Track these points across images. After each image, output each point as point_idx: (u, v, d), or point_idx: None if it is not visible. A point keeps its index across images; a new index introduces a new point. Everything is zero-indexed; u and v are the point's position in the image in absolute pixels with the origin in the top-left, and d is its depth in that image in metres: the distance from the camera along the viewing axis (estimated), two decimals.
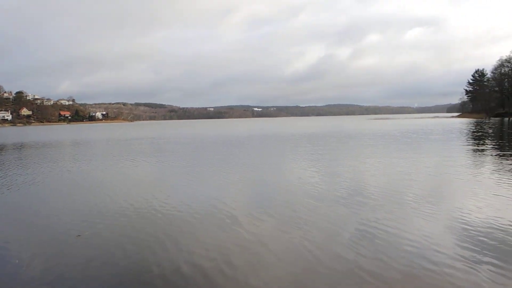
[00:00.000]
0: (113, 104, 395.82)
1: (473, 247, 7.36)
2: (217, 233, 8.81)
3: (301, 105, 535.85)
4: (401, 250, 7.38)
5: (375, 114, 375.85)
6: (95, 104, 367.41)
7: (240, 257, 7.27)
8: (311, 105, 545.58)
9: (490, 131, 48.98)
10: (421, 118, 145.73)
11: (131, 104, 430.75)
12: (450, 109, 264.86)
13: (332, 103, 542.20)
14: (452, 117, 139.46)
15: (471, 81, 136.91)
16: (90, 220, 10.09)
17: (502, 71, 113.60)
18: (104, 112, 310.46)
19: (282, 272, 6.58)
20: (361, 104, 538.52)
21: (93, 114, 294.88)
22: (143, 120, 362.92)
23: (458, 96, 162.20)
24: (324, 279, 6.27)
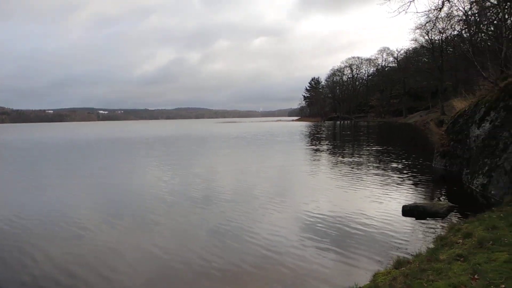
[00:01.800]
0: None
1: (315, 236, 8.27)
2: (66, 243, 8.31)
3: (150, 108, 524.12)
4: (252, 245, 7.92)
5: (224, 117, 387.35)
6: None
7: (91, 268, 6.97)
8: (160, 108, 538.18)
9: (325, 132, 54.91)
10: (266, 121, 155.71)
11: None
12: (291, 113, 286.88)
13: (182, 107, 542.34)
14: (293, 120, 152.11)
15: (308, 87, 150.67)
16: None
17: (334, 79, 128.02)
18: None
19: (137, 279, 6.51)
20: (211, 108, 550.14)
21: None
22: None
23: (298, 101, 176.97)
24: (179, 281, 6.41)
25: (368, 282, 5.68)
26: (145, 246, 8.07)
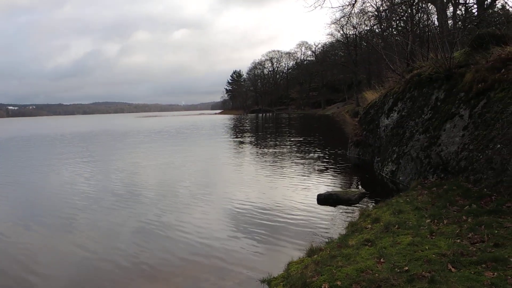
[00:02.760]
0: None
1: (235, 228, 8.30)
2: None
3: (65, 103, 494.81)
4: (180, 238, 7.80)
5: (145, 111, 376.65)
6: None
7: (5, 273, 6.47)
8: (76, 103, 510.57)
9: (248, 125, 55.38)
10: (189, 115, 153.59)
11: None
12: (214, 106, 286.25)
13: (100, 101, 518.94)
14: (216, 113, 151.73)
15: (230, 81, 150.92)
16: None
17: (256, 72, 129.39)
18: None
19: (59, 282, 6.13)
20: (131, 102, 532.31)
21: None
22: None
23: (220, 95, 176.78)
24: (107, 281, 6.10)
25: (282, 272, 5.70)
26: (67, 247, 7.58)
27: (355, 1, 29.03)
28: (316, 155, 19.30)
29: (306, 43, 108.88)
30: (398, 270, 4.74)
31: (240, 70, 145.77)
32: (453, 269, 4.59)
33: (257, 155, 20.51)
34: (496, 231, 5.51)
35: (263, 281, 5.53)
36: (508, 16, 22.54)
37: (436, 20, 22.13)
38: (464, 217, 6.37)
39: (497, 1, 23.75)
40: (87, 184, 13.75)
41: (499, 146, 7.97)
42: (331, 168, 15.35)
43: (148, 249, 7.30)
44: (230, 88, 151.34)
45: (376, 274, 4.66)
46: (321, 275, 4.91)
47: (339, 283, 4.62)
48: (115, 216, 9.64)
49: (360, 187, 12.12)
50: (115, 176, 15.14)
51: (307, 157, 18.69)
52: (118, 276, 6.27)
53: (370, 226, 6.93)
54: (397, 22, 36.02)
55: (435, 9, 21.75)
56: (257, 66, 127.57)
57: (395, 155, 12.38)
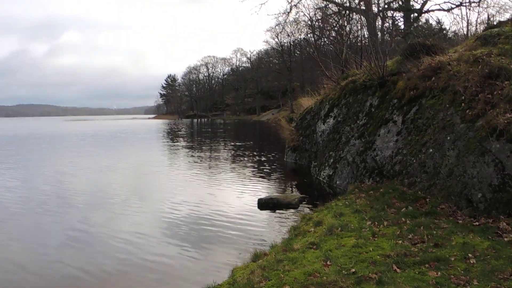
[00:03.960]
0: None
1: (175, 236, 7.94)
2: None
3: None
4: (114, 248, 7.32)
5: (74, 115, 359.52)
6: None
7: None
8: None
9: (184, 130, 54.55)
10: (121, 119, 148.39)
11: None
12: (147, 111, 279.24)
13: (25, 103, 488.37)
14: (149, 118, 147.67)
15: (164, 85, 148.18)
16: None
17: (191, 77, 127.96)
18: None
19: None
20: (59, 105, 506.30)
21: None
22: None
23: (154, 99, 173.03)
24: None
25: (227, 278, 5.50)
26: None
27: (290, 10, 29.69)
28: (253, 160, 19.29)
29: (242, 49, 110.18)
30: (346, 272, 4.72)
31: (174, 75, 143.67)
32: (398, 270, 4.64)
33: (194, 160, 20.14)
34: (434, 232, 5.70)
35: None
36: (432, 30, 24.06)
37: (366, 31, 23.06)
38: (402, 219, 6.54)
39: (421, 16, 25.29)
40: (9, 192, 12.64)
41: (431, 150, 8.33)
42: (269, 173, 15.38)
43: (77, 261, 6.74)
44: (164, 92, 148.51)
45: (324, 277, 4.61)
46: (269, 280, 4.77)
47: (287, 287, 4.51)
48: (41, 227, 8.84)
49: (298, 191, 12.20)
50: (42, 184, 14.07)
51: (244, 162, 18.62)
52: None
53: (313, 229, 6.93)
54: (330, 32, 37.32)
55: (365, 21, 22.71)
56: (192, 71, 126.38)
57: (331, 160, 12.62)
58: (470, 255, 4.82)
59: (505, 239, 5.21)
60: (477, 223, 5.98)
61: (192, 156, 22.17)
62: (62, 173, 16.47)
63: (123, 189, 12.81)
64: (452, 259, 4.77)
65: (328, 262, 5.10)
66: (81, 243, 7.66)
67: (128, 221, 9.12)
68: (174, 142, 32.28)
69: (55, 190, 12.82)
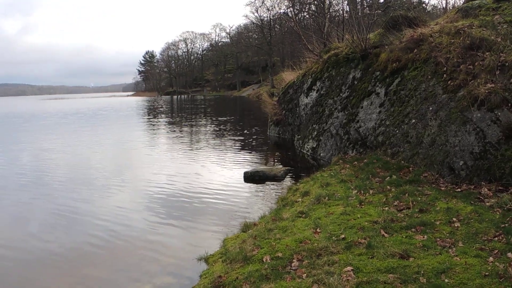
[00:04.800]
0: None
1: (163, 211, 7.89)
2: None
3: None
4: (99, 225, 7.24)
5: (50, 94, 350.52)
6: None
7: None
8: None
9: (164, 107, 53.94)
10: (99, 97, 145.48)
11: None
12: (125, 88, 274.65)
13: None
14: (128, 96, 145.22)
15: (142, 61, 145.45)
16: None
17: (169, 53, 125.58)
18: None
19: None
20: (33, 84, 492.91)
21: None
22: None
23: (132, 76, 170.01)
24: (17, 276, 5.52)
25: (219, 248, 5.58)
26: None
27: None
28: (236, 135, 19.30)
29: (221, 24, 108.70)
30: (335, 239, 4.84)
31: (153, 51, 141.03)
32: (386, 235, 4.78)
33: (176, 136, 20.04)
34: (419, 199, 5.86)
35: (199, 259, 5.38)
36: (411, 3, 24.10)
37: (346, 5, 23.00)
38: (387, 187, 6.70)
39: None
40: None
41: (414, 121, 8.47)
42: (253, 147, 15.44)
43: (61, 239, 6.66)
44: (142, 69, 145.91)
45: (315, 244, 4.72)
46: (261, 248, 4.87)
47: (280, 254, 4.61)
48: (22, 208, 8.67)
49: (283, 164, 12.31)
50: (18, 164, 13.86)
51: (227, 137, 18.63)
52: (29, 269, 5.70)
53: (300, 199, 7.04)
54: (310, 5, 37.04)
55: None
56: (171, 46, 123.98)
57: (315, 133, 12.72)
58: (454, 219, 4.99)
59: (487, 203, 5.40)
60: (459, 190, 6.17)
61: (175, 132, 22.05)
62: (43, 151, 16.20)
63: (105, 166, 12.72)
64: (437, 223, 4.94)
65: (318, 230, 5.21)
66: (64, 221, 7.60)
67: (113, 198, 9.06)
68: (157, 119, 31.99)
69: (36, 169, 12.64)
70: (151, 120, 31.31)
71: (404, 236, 4.67)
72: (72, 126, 26.96)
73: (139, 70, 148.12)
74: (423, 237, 4.57)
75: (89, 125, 27.25)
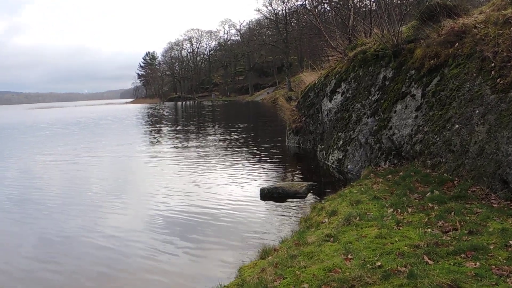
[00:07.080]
0: None
1: (170, 234, 7.91)
2: None
3: None
4: (96, 250, 7.27)
5: (38, 102, 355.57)
6: None
7: None
8: None
9: (169, 115, 54.34)
10: (95, 105, 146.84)
11: None
12: (123, 94, 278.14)
13: None
14: (127, 103, 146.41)
15: (142, 64, 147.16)
16: None
17: (173, 54, 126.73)
18: None
19: None
20: (20, 91, 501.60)
21: None
22: None
23: (131, 81, 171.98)
24: None
25: (234, 279, 5.49)
26: None
27: None
28: (250, 145, 19.27)
29: (230, 20, 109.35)
30: (370, 266, 4.71)
31: (154, 52, 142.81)
32: (430, 262, 4.64)
33: (184, 148, 20.12)
34: (467, 218, 5.70)
35: None
36: None
37: None
38: (429, 205, 6.54)
39: None
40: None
41: (457, 126, 8.31)
42: (269, 160, 15.36)
43: (57, 264, 6.74)
44: (142, 72, 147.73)
45: (347, 273, 4.60)
46: (284, 278, 4.76)
47: (306, 286, 4.50)
48: (14, 229, 8.82)
49: (304, 178, 12.19)
50: (10, 183, 14.01)
51: (240, 148, 18.61)
52: None
53: (327, 220, 6.92)
54: None
55: None
56: (174, 47, 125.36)
57: (341, 142, 12.60)
58: (511, 242, 4.82)
59: None
60: None
61: (182, 143, 22.11)
62: (36, 168, 16.40)
63: (107, 181, 12.81)
64: (491, 247, 4.77)
65: (349, 256, 5.09)
66: (59, 244, 7.65)
67: (121, 217, 9.14)
68: (160, 129, 32.19)
69: (28, 187, 12.76)
70: (157, 129, 31.53)
71: (452, 263, 4.52)
72: (77, 137, 27.27)
73: (138, 74, 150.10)
74: (475, 264, 4.42)
75: (97, 136, 27.56)
